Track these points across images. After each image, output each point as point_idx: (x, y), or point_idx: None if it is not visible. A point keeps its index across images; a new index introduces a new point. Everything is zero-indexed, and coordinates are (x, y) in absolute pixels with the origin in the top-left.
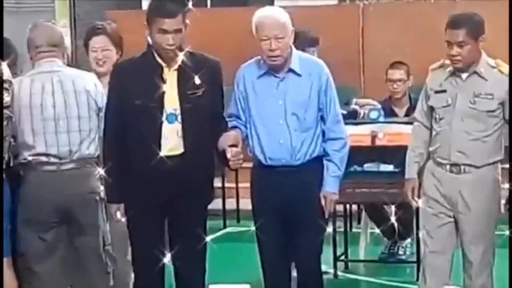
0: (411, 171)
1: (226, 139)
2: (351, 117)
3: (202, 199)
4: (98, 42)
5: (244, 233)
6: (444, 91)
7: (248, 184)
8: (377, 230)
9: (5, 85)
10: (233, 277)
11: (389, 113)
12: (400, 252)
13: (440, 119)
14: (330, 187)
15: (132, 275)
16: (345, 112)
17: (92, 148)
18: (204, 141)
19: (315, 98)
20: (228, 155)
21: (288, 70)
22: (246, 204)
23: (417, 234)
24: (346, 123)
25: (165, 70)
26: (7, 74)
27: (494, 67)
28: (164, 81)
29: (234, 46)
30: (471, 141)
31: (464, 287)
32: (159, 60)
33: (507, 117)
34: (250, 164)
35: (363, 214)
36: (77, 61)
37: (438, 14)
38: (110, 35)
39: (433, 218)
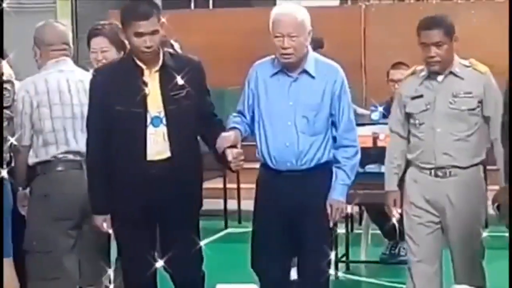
0: (391, 183)
1: (225, 140)
2: None
3: (193, 204)
4: (97, 43)
5: (246, 234)
6: (421, 96)
7: (249, 185)
8: (378, 231)
9: (7, 86)
10: (234, 278)
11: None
12: (401, 253)
13: (420, 124)
14: (338, 195)
15: None
16: None
17: None
18: (191, 144)
19: (327, 102)
20: (229, 157)
21: (302, 71)
22: (247, 205)
23: None
24: None
25: (146, 72)
26: (8, 74)
27: (468, 66)
28: (145, 84)
29: (237, 46)
30: (455, 141)
31: None
32: (139, 63)
33: (485, 114)
34: (251, 165)
35: (365, 215)
36: (78, 61)
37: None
38: (109, 35)
39: (420, 227)
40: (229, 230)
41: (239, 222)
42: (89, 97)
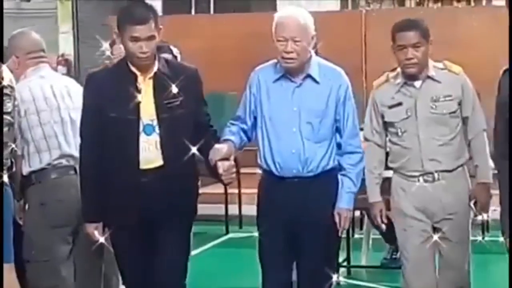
0: (375, 194)
1: (217, 153)
2: None
3: (185, 214)
4: (118, 48)
5: (247, 238)
6: (400, 103)
7: (250, 190)
8: (379, 236)
9: (7, 91)
10: (235, 283)
11: None
12: None
13: (403, 132)
14: (345, 203)
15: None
16: None
17: None
18: (185, 153)
19: (332, 108)
20: (220, 170)
21: (306, 76)
22: (248, 210)
23: None
24: None
25: (140, 78)
26: (8, 79)
27: (443, 69)
28: (139, 91)
29: (237, 51)
30: (440, 146)
31: None
32: (133, 69)
33: (464, 115)
34: (252, 170)
35: (365, 220)
36: (79, 65)
37: (440, 20)
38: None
39: (412, 236)
40: (230, 235)
41: (240, 227)
42: (82, 102)
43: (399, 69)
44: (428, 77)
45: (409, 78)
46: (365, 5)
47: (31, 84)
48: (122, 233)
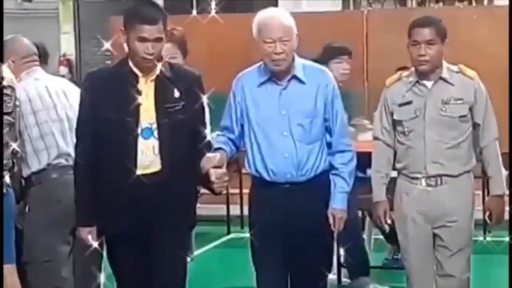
0: (380, 194)
1: (209, 161)
2: None
3: (183, 220)
4: (167, 48)
5: (248, 239)
6: (410, 102)
7: None
8: (381, 237)
9: (7, 91)
10: (237, 283)
11: None
12: None
13: (410, 131)
14: (338, 203)
15: None
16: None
17: None
18: (183, 158)
19: (321, 107)
20: (212, 177)
21: (291, 77)
22: None
23: None
24: None
25: (141, 80)
26: (9, 79)
27: (458, 72)
28: (139, 92)
29: (240, 51)
30: (446, 149)
31: None
32: (135, 69)
33: (476, 121)
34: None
35: (367, 220)
36: (81, 65)
37: (442, 20)
38: (178, 42)
39: (415, 240)
40: (232, 235)
41: (242, 227)
42: (80, 102)
43: (412, 68)
44: (441, 78)
45: (421, 77)
46: (366, 5)
47: (26, 87)
48: (117, 238)
